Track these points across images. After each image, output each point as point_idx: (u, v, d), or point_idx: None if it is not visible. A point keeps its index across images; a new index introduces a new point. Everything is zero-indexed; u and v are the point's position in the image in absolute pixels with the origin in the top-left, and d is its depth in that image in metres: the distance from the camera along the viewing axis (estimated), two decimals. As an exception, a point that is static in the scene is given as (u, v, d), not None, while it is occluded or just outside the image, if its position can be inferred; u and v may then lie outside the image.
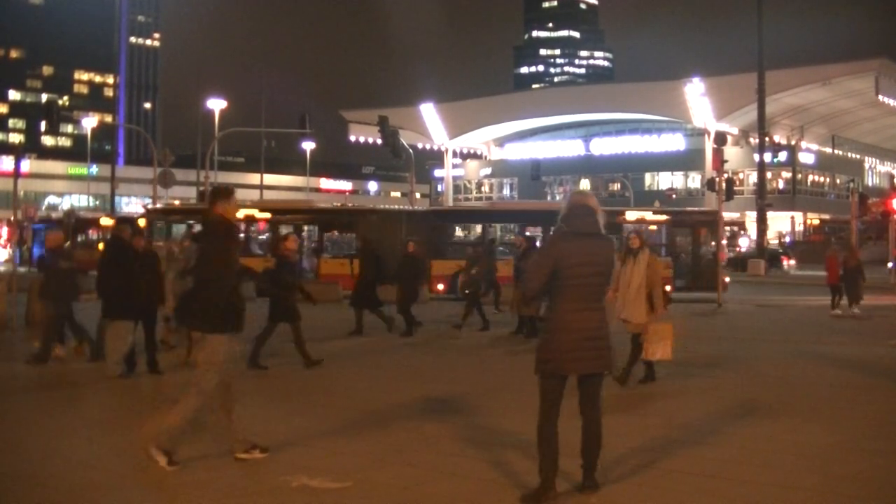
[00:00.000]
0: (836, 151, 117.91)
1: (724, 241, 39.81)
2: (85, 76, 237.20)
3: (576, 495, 8.57)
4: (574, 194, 8.95)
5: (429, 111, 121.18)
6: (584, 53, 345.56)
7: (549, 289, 8.45)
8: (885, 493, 9.03)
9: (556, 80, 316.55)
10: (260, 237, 40.48)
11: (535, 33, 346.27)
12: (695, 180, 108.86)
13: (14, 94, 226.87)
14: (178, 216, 42.76)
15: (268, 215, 39.26)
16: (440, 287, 36.55)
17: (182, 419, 9.43)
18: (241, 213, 39.64)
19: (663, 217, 40.06)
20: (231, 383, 9.72)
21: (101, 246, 39.33)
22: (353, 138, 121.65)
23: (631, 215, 40.22)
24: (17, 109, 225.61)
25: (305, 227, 39.51)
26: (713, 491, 8.77)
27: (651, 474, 9.32)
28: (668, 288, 35.93)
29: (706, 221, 38.11)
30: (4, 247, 53.83)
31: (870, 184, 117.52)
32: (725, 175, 37.05)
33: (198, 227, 13.11)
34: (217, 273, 9.49)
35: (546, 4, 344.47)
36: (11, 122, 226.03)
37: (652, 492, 8.72)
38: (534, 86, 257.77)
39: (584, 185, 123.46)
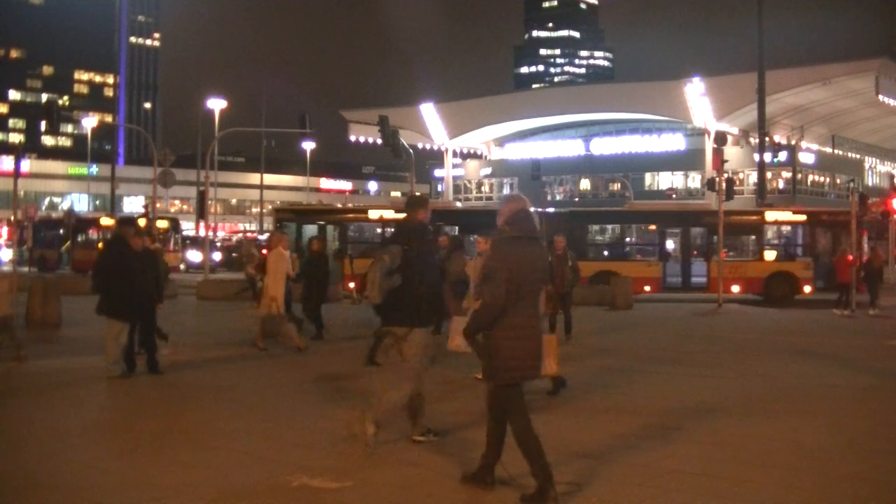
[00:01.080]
0: (836, 151, 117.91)
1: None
2: (85, 76, 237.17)
3: (574, 496, 8.54)
4: (513, 199, 8.88)
5: (429, 111, 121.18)
6: (584, 53, 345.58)
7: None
8: (885, 494, 9.03)
9: (556, 79, 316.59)
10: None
11: (535, 33, 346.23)
12: (695, 180, 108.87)
13: (14, 94, 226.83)
14: (308, 216, 42.61)
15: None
16: None
17: (393, 405, 10.32)
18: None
19: (802, 217, 39.42)
20: (423, 372, 10.47)
21: (101, 245, 39.30)
22: (353, 138, 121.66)
23: (772, 216, 39.96)
24: (17, 109, 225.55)
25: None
26: (713, 491, 8.76)
27: (651, 474, 9.32)
28: (807, 289, 36.16)
29: (843, 222, 37.24)
30: (10, 247, 53.78)
31: (870, 184, 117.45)
32: (725, 175, 36.99)
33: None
34: (420, 273, 10.28)
35: (546, 4, 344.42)
36: (11, 122, 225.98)
37: (652, 492, 8.72)
38: (534, 86, 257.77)
39: (585, 184, 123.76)
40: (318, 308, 21.89)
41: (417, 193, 11.52)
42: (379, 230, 40.28)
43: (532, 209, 8.79)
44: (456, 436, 10.91)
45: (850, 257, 31.93)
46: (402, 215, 11.09)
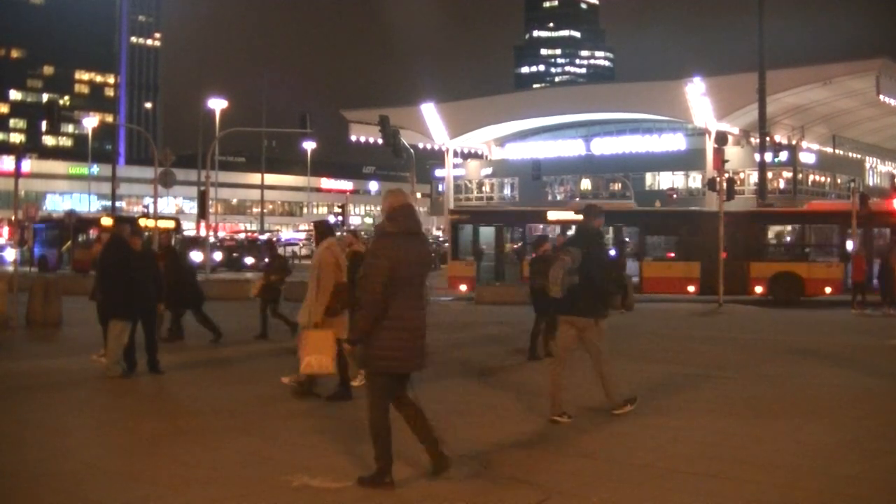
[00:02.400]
0: (836, 151, 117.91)
1: None
2: (86, 76, 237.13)
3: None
4: (395, 193, 9.04)
5: (429, 111, 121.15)
6: (584, 53, 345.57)
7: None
8: (886, 494, 9.03)
9: (556, 79, 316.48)
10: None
11: (535, 33, 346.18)
12: (696, 180, 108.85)
13: (15, 94, 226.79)
14: (485, 218, 42.82)
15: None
16: (758, 290, 36.32)
17: (611, 375, 12.40)
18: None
19: None
20: (603, 350, 12.22)
21: (98, 246, 39.21)
22: (353, 138, 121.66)
23: None
24: (18, 109, 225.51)
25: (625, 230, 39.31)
26: (714, 491, 8.75)
27: (651, 474, 9.31)
28: None
29: None
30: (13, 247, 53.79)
31: (871, 184, 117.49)
32: (726, 175, 36.94)
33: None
34: (599, 272, 11.94)
35: (547, 4, 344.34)
36: (12, 122, 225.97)
37: (653, 492, 8.71)
38: (534, 85, 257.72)
39: (586, 184, 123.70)
40: (201, 309, 21.68)
41: (593, 202, 14.69)
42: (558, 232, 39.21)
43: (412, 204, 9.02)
44: (458, 436, 10.90)
45: (860, 256, 31.97)
46: (578, 218, 12.70)
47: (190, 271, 22.45)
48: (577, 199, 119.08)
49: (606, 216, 12.92)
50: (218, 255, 59.08)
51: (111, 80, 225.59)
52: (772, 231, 41.65)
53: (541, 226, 40.00)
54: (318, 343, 12.18)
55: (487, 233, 39.53)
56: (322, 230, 14.14)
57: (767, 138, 69.63)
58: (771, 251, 39.32)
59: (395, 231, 8.71)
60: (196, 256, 55.13)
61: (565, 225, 37.03)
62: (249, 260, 61.24)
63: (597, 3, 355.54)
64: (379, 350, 8.61)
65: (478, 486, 8.86)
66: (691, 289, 36.59)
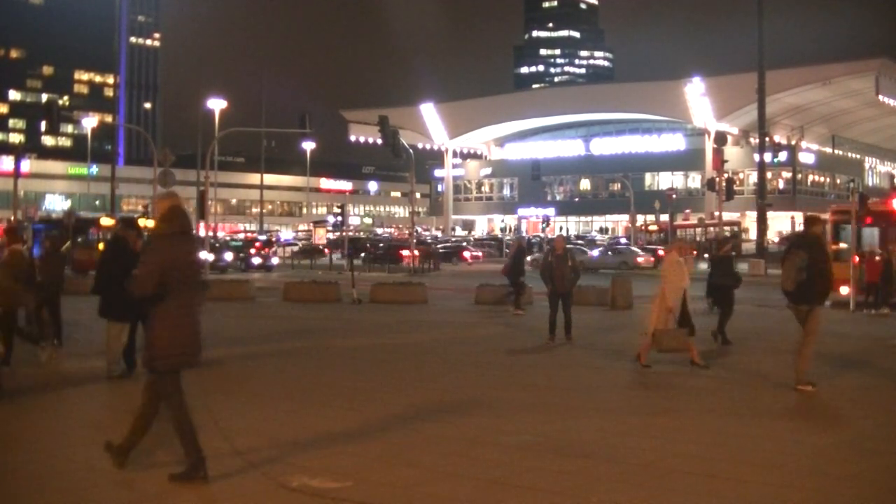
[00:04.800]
0: (836, 151, 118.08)
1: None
2: (85, 76, 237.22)
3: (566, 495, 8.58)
4: (168, 196, 9.32)
5: (429, 111, 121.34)
6: (584, 53, 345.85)
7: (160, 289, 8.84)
8: (886, 494, 9.03)
9: (556, 80, 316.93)
10: None
11: (535, 33, 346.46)
12: (695, 180, 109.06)
13: (14, 94, 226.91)
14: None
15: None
16: None
17: (809, 356, 14.71)
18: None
19: None
20: (816, 332, 14.58)
21: (101, 246, 39.21)
22: (353, 138, 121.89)
23: None
24: (17, 109, 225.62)
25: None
26: (713, 491, 8.76)
27: (652, 475, 9.32)
28: None
29: None
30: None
31: (870, 184, 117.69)
32: (725, 175, 37.07)
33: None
34: (820, 270, 14.31)
35: (546, 4, 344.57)
36: (12, 122, 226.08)
37: (653, 492, 8.72)
38: (534, 86, 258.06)
39: (585, 184, 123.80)
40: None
41: (811, 214, 17.13)
42: None
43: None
44: (461, 433, 10.90)
45: (872, 257, 31.92)
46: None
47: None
48: (577, 198, 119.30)
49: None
50: (229, 256, 58.95)
51: (110, 80, 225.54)
52: None
53: None
54: None
55: (871, 234, 35.76)
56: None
57: (767, 138, 69.72)
58: None
59: (170, 232, 8.96)
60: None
61: None
62: (256, 260, 61.05)
63: (596, 3, 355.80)
64: (160, 350, 8.82)
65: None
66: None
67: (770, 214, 69.60)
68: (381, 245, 78.00)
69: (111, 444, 9.20)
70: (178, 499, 8.49)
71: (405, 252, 64.30)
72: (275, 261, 62.59)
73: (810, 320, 14.51)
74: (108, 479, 9.00)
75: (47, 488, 8.80)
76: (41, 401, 13.52)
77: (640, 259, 63.39)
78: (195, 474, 8.80)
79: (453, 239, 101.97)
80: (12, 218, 58.14)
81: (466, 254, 76.67)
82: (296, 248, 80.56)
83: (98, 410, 13.26)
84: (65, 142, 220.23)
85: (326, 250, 76.52)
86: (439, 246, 78.48)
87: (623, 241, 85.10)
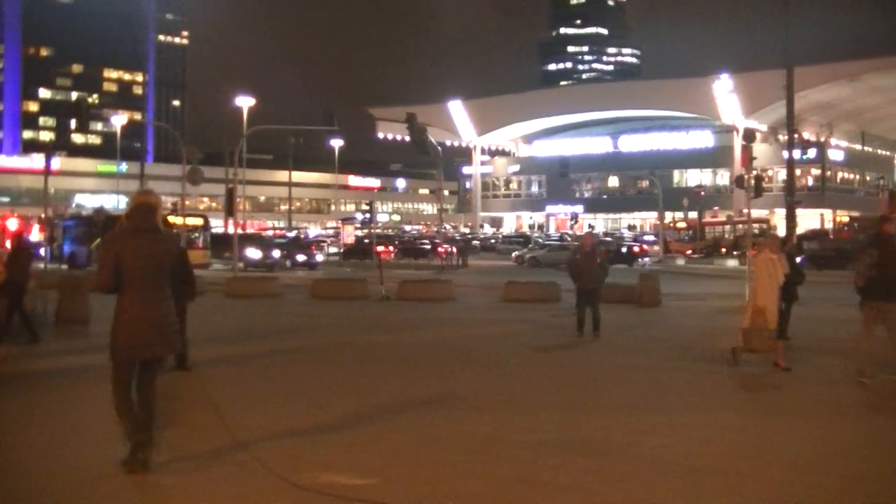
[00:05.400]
0: (865, 148, 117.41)
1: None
2: (114, 74, 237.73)
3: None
4: (136, 194, 9.59)
5: (457, 108, 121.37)
6: (611, 50, 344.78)
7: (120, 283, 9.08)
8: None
9: (583, 76, 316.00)
10: None
11: (562, 30, 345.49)
12: (723, 177, 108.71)
13: (44, 93, 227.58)
14: None
15: None
16: None
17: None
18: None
19: None
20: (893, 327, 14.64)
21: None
22: (380, 135, 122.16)
23: None
24: (47, 107, 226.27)
25: None
26: (735, 489, 8.76)
27: (673, 472, 9.33)
28: None
29: None
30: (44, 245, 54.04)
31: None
32: (754, 172, 36.80)
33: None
34: (892, 268, 14.56)
35: (573, 1, 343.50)
36: (42, 121, 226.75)
37: (675, 490, 8.72)
38: (561, 83, 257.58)
39: (613, 181, 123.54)
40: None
41: (884, 213, 18.07)
42: None
43: (152, 203, 9.32)
44: (483, 432, 10.92)
45: None
46: None
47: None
48: (605, 196, 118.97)
49: None
50: (276, 253, 58.41)
51: (139, 78, 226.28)
52: None
53: None
54: None
55: None
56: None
57: (795, 135, 69.35)
58: None
59: (123, 228, 9.27)
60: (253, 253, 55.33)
61: None
62: (301, 257, 60.53)
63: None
64: (117, 342, 9.02)
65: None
66: None
67: (799, 212, 69.26)
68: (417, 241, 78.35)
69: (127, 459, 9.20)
70: (196, 497, 8.55)
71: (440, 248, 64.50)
72: (319, 258, 62.34)
73: (888, 317, 14.69)
74: (128, 480, 9.06)
75: (71, 483, 8.86)
76: (69, 396, 13.59)
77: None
78: (135, 458, 9.02)
79: (481, 236, 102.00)
80: (43, 215, 58.41)
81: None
82: (344, 247, 79.06)
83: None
84: (94, 139, 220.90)
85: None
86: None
87: (650, 237, 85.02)
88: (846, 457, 10.15)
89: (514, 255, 73.23)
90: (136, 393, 9.26)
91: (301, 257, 59.90)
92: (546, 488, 8.71)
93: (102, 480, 8.92)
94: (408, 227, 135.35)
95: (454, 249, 64.17)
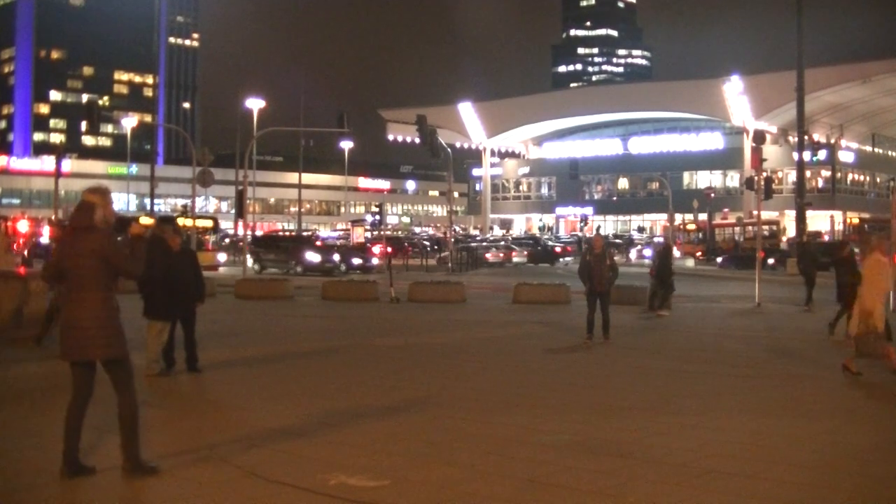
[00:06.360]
0: (876, 150, 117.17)
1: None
2: (125, 76, 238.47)
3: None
4: (84, 191, 9.31)
5: (467, 110, 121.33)
6: (621, 52, 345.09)
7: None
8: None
9: (593, 78, 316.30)
10: None
11: (573, 32, 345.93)
12: (733, 179, 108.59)
13: (55, 95, 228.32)
14: None
15: None
16: None
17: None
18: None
19: None
20: None
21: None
22: (391, 137, 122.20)
23: None
24: (58, 110, 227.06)
25: None
26: (751, 492, 8.72)
27: (689, 475, 9.29)
28: None
29: None
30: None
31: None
32: (764, 174, 36.73)
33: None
34: None
35: (584, 3, 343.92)
36: (53, 123, 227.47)
37: (690, 492, 8.69)
38: (572, 84, 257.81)
39: (623, 183, 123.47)
40: None
41: None
42: None
43: (92, 201, 9.08)
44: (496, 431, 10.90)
45: None
46: None
47: None
48: (615, 197, 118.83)
49: None
50: (336, 257, 57.40)
51: (150, 80, 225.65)
52: None
53: None
54: None
55: None
56: None
57: (806, 137, 69.32)
58: None
59: (67, 225, 9.36)
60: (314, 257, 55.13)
61: None
62: (357, 260, 59.74)
63: (634, 1, 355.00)
64: (60, 343, 9.06)
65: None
66: None
67: (809, 213, 69.23)
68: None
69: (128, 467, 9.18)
70: (205, 500, 8.54)
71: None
72: (374, 261, 62.08)
73: None
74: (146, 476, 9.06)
75: (83, 486, 8.86)
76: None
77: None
78: (63, 466, 8.98)
79: (490, 238, 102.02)
80: (53, 217, 58.49)
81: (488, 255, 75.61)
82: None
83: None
84: (105, 141, 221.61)
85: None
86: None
87: (658, 239, 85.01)
88: (862, 459, 10.11)
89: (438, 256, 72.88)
90: (116, 396, 9.34)
91: (357, 261, 59.32)
92: (561, 490, 8.68)
93: (91, 482, 8.93)
94: (417, 229, 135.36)
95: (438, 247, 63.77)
